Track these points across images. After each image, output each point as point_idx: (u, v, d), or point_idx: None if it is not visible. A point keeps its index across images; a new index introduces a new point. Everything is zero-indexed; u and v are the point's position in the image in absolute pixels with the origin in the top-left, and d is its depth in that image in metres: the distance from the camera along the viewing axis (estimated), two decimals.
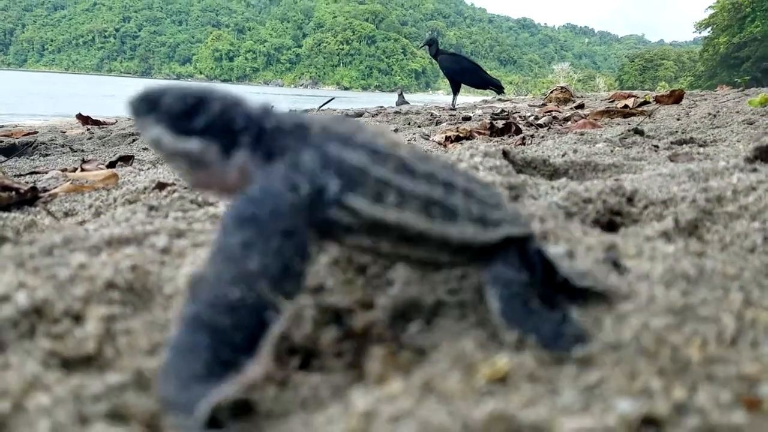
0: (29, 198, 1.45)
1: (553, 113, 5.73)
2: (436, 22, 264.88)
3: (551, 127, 3.68)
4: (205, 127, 0.76)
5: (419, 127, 4.00)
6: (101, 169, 1.82)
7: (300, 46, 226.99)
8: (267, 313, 0.67)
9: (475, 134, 3.59)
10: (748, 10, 53.42)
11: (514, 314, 0.80)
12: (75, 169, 1.82)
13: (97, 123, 7.36)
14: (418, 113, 5.31)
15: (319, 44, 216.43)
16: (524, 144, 2.96)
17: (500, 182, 1.25)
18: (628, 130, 2.69)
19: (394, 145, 0.81)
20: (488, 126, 3.68)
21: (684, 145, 2.47)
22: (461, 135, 3.47)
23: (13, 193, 1.38)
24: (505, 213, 0.86)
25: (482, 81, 7.99)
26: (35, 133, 5.98)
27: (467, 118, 4.27)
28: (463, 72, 7.82)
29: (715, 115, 4.12)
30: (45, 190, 1.50)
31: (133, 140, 4.10)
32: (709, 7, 56.52)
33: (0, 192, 1.34)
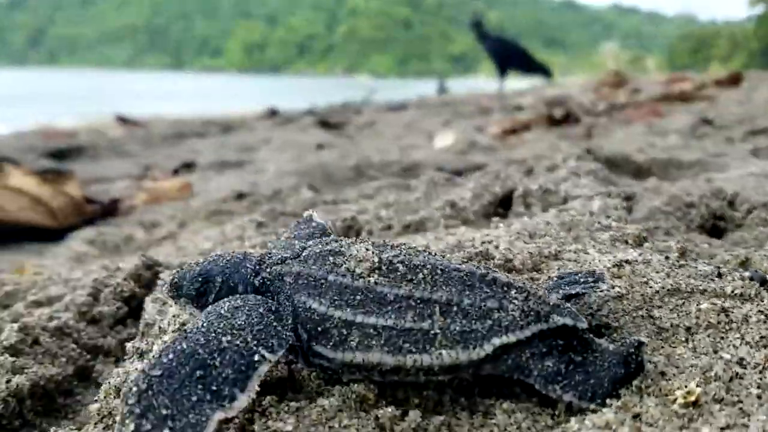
0: (111, 210, 1.49)
1: (609, 99, 5.65)
2: (477, 3, 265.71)
3: (612, 115, 3.61)
4: (216, 299, 0.95)
5: (469, 118, 3.96)
6: (168, 177, 1.84)
7: (333, 34, 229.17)
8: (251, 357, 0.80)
9: (533, 125, 3.56)
10: None
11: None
12: (142, 177, 1.85)
13: (134, 123, 7.48)
14: (464, 103, 5.28)
15: (353, 31, 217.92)
16: (590, 136, 2.91)
17: (614, 192, 1.23)
18: (698, 120, 2.63)
19: (368, 271, 0.86)
20: (546, 116, 3.64)
21: (760, 136, 2.40)
22: (517, 127, 3.43)
23: (98, 205, 1.41)
24: (505, 314, 0.83)
25: (530, 66, 7.93)
26: (75, 134, 6.11)
27: (519, 108, 4.22)
28: (511, 57, 7.74)
29: None
30: (117, 201, 1.52)
31: (177, 141, 4.18)
32: None
33: (87, 205, 1.37)
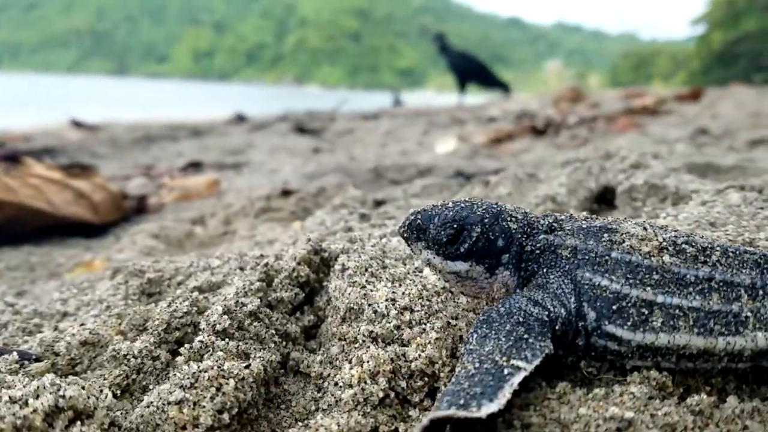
0: (142, 206, 1.39)
1: (568, 112, 5.72)
2: (424, 18, 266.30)
3: (590, 126, 3.63)
4: (468, 251, 0.89)
5: (445, 127, 3.93)
6: (183, 176, 1.74)
7: (283, 44, 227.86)
8: (502, 372, 0.77)
9: (516, 135, 3.54)
10: (742, 5, 53.92)
11: None
12: (157, 175, 1.75)
13: (91, 127, 7.24)
14: (437, 114, 5.24)
15: (303, 41, 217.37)
16: (590, 144, 2.90)
17: (747, 186, 1.16)
18: (695, 130, 2.66)
19: (656, 250, 0.81)
20: (529, 126, 3.63)
21: (761, 146, 2.43)
22: (502, 136, 3.42)
23: (134, 201, 1.31)
24: None
25: (490, 81, 8.08)
26: (32, 137, 5.86)
27: (492, 119, 4.21)
28: (472, 71, 7.87)
29: (758, 114, 4.11)
30: (145, 197, 1.42)
31: (149, 144, 4.04)
32: (704, 2, 56.98)
33: (123, 201, 1.27)
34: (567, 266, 0.83)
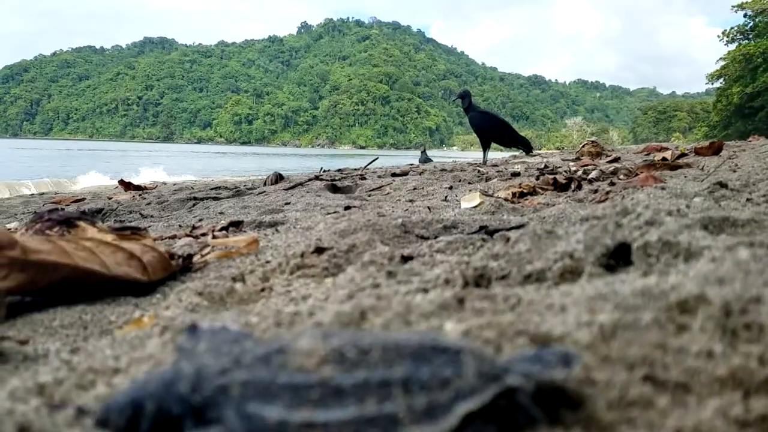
0: (187, 265, 1.43)
1: (590, 167, 5.69)
2: (448, 81, 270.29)
3: (614, 182, 3.63)
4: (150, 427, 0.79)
5: (470, 183, 3.96)
6: (225, 235, 1.79)
7: (316, 108, 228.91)
8: None
9: (539, 190, 3.54)
10: (759, 60, 53.76)
11: None
12: (201, 234, 1.79)
13: (138, 188, 7.42)
14: (463, 170, 5.27)
15: (335, 106, 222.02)
16: (609, 200, 2.90)
17: (756, 242, 1.13)
18: (714, 184, 2.64)
19: (318, 363, 0.73)
20: (551, 181, 3.62)
21: None
22: (525, 191, 3.42)
23: (180, 260, 1.35)
24: (463, 381, 0.71)
25: (512, 139, 8.01)
26: (83, 199, 6.02)
27: (516, 174, 4.22)
28: (495, 130, 7.80)
29: None
30: (191, 256, 1.46)
31: (194, 205, 4.13)
32: (721, 58, 56.92)
33: (170, 260, 1.30)
34: (237, 405, 0.76)
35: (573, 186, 3.54)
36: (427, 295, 1.10)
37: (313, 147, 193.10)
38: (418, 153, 14.44)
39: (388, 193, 3.94)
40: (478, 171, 4.98)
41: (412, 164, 9.84)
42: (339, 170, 7.35)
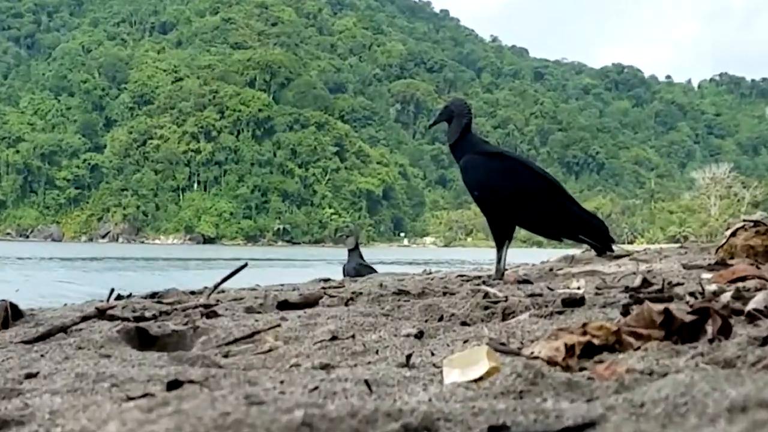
0: None
1: (751, 283, 2.70)
2: (413, 82, 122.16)
3: None
4: None
5: (466, 324, 1.94)
6: None
7: (99, 148, 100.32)
8: None
9: (629, 338, 1.70)
10: None
11: None
12: None
13: None
14: (448, 291, 2.86)
15: (142, 141, 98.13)
16: None
17: None
18: None
19: None
20: (657, 318, 1.76)
21: None
22: (597, 341, 1.65)
23: None
24: None
25: (564, 220, 3.63)
26: None
27: (574, 301, 2.15)
28: (521, 194, 3.53)
29: None
30: None
31: None
32: None
33: None
34: None
35: (711, 329, 1.74)
36: None
37: (91, 239, 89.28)
38: (343, 253, 7.25)
39: (270, 350, 1.84)
40: (485, 293, 2.70)
41: (327, 280, 5.27)
42: (154, 295, 3.87)
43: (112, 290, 3.40)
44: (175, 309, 2.54)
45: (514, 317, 2.12)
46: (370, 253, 8.78)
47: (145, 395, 1.47)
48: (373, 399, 1.35)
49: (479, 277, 3.82)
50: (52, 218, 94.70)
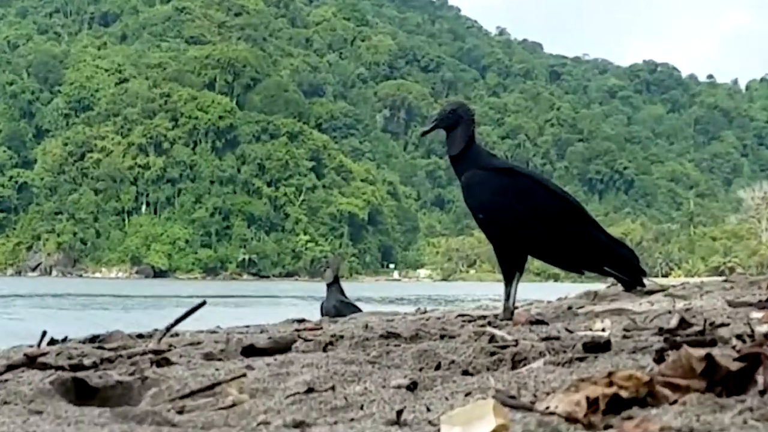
0: None
1: None
2: (405, 84, 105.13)
3: None
4: None
5: (468, 373, 1.76)
6: None
7: (29, 165, 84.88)
8: None
9: (663, 390, 1.48)
10: None
11: None
12: None
13: None
14: (446, 334, 2.52)
15: (80, 154, 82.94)
16: None
17: None
18: None
19: None
20: (697, 367, 1.48)
21: None
22: (625, 393, 1.44)
23: None
24: None
25: (585, 249, 3.25)
26: None
27: (597, 347, 1.93)
28: (534, 217, 3.14)
29: None
30: None
31: None
32: None
33: None
34: None
35: (762, 379, 1.55)
36: None
37: (19, 272, 76.88)
38: (321, 288, 6.30)
39: (233, 405, 1.51)
40: (491, 336, 2.46)
41: (301, 321, 4.50)
42: (94, 339, 3.55)
43: (44, 333, 3.00)
44: (120, 355, 2.29)
45: (525, 365, 1.94)
46: (353, 289, 7.70)
47: None
48: None
49: (484, 317, 3.32)
50: None
